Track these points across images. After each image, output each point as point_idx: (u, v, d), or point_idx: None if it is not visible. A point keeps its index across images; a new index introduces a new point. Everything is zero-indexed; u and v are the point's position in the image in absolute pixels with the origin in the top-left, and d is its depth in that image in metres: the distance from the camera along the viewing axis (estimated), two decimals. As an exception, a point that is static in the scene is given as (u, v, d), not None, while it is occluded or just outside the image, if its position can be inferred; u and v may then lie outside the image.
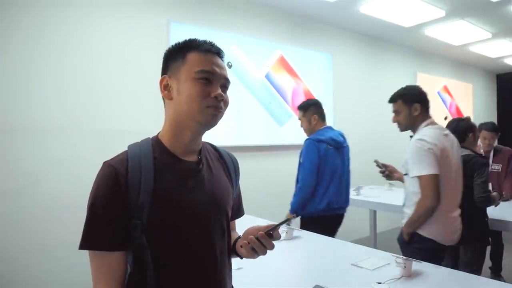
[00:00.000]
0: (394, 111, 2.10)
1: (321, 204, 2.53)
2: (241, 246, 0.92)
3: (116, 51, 2.96)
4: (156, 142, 0.90)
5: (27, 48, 2.58)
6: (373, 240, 4.29)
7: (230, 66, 3.71)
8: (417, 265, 1.55)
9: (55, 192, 2.60)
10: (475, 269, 2.36)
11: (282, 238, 2.02)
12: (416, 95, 2.04)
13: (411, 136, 2.03)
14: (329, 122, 4.59)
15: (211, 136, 3.45)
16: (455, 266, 2.45)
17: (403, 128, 2.09)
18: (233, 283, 1.40)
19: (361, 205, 3.60)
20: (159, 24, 3.22)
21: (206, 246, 0.89)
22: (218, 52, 0.92)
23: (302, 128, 2.83)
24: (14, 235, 2.47)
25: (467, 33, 5.06)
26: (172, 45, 0.93)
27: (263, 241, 0.86)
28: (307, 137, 2.71)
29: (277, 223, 0.88)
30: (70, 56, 2.76)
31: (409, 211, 1.95)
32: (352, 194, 3.65)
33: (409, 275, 1.49)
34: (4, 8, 2.50)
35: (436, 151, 1.84)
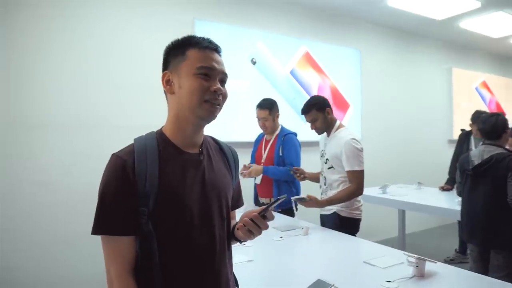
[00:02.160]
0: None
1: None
2: (238, 229, 0.99)
3: (141, 49, 3.06)
4: (160, 135, 0.96)
5: (57, 47, 2.74)
6: (402, 241, 4.16)
7: (254, 63, 3.74)
8: (431, 265, 1.50)
9: (82, 184, 2.75)
10: (507, 275, 2.23)
11: (298, 233, 2.05)
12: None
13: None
14: (356, 118, 4.58)
15: (235, 132, 3.49)
16: (485, 271, 2.32)
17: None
18: (243, 274, 1.42)
19: (388, 204, 3.49)
20: (184, 22, 3.30)
21: (206, 233, 0.95)
22: (216, 49, 0.98)
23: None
24: (45, 224, 2.64)
25: (507, 25, 4.76)
26: (172, 42, 0.98)
27: (257, 221, 0.93)
28: None
29: (268, 204, 0.94)
30: (96, 54, 2.89)
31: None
32: (378, 193, 3.56)
33: (422, 275, 1.44)
34: (33, 3, 2.66)
35: None
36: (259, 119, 2.81)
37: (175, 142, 0.95)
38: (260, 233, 0.95)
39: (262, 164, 2.80)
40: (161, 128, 0.99)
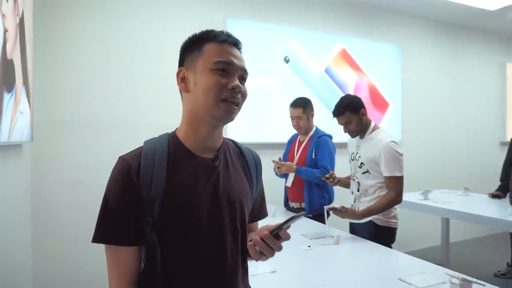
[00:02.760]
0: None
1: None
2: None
3: (174, 48, 3.05)
4: (172, 137, 0.89)
5: (86, 48, 2.80)
6: (445, 252, 3.86)
7: (287, 61, 3.62)
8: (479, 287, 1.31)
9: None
10: None
11: (328, 242, 1.91)
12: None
13: None
14: (396, 118, 4.31)
15: (268, 132, 3.35)
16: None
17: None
18: (266, 286, 1.33)
19: (430, 211, 3.22)
20: (216, 21, 3.25)
21: (216, 246, 0.86)
22: (235, 43, 0.89)
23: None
24: (76, 222, 2.70)
25: None
26: (189, 37, 0.90)
27: (268, 242, 0.81)
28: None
29: (283, 222, 0.80)
30: (125, 54, 2.92)
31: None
32: (418, 198, 3.31)
33: (467, 299, 1.27)
34: (70, 6, 2.72)
35: None
36: (292, 118, 2.70)
37: (187, 145, 0.88)
38: (272, 255, 0.83)
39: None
40: (175, 130, 0.92)
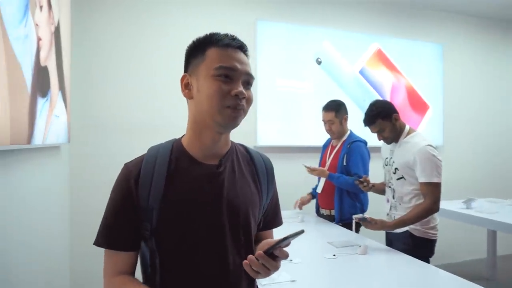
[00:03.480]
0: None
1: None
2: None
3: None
4: (177, 144, 0.89)
5: (123, 51, 2.90)
6: (491, 266, 3.58)
7: (319, 63, 3.54)
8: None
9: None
10: None
11: (355, 252, 1.82)
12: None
13: None
14: (437, 121, 4.08)
15: (299, 136, 3.29)
16: None
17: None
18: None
19: (474, 222, 2.98)
20: (246, 24, 3.25)
21: (216, 256, 0.84)
22: (240, 46, 0.86)
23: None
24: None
25: None
26: (193, 41, 0.89)
27: (263, 262, 0.76)
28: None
29: (277, 240, 0.75)
30: (159, 57, 2.99)
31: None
32: (460, 207, 3.09)
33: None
34: (105, 8, 2.83)
35: None
36: (325, 122, 2.60)
37: (191, 152, 0.86)
38: (268, 274, 0.78)
39: None
40: (181, 136, 0.91)
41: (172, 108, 3.01)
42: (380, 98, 3.71)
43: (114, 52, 2.87)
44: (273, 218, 1.02)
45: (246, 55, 0.87)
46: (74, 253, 2.69)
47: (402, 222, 1.96)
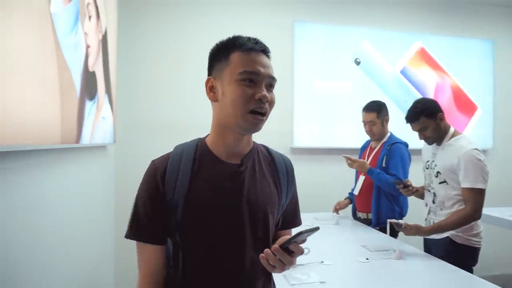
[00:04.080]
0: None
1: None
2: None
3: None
4: (201, 143, 0.93)
5: (166, 56, 3.03)
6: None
7: (358, 63, 3.48)
8: None
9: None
10: None
11: (389, 256, 1.77)
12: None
13: None
14: (487, 123, 3.84)
15: (338, 137, 3.27)
16: None
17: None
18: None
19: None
20: (284, 26, 3.27)
21: (234, 251, 0.87)
22: (263, 50, 0.89)
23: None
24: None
25: None
26: (217, 44, 0.92)
27: (278, 256, 0.77)
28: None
29: (295, 234, 0.76)
30: (199, 60, 3.07)
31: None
32: (509, 215, 2.89)
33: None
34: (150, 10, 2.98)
35: None
36: (365, 123, 2.54)
37: (214, 151, 0.90)
38: (283, 269, 0.79)
39: (362, 174, 2.55)
40: (206, 136, 0.96)
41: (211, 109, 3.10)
42: (421, 97, 3.59)
43: (154, 57, 3.02)
44: (292, 218, 1.04)
45: (269, 57, 0.90)
46: (118, 247, 2.85)
47: (438, 228, 1.88)
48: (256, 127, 0.85)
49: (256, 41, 0.88)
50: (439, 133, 2.01)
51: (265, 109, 0.85)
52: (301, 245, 0.78)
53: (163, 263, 0.88)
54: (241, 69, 0.84)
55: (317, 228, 0.75)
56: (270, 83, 0.87)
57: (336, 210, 2.69)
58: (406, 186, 2.12)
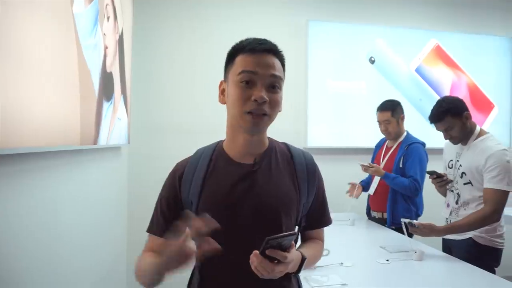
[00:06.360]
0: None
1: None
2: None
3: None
4: (218, 145, 0.96)
5: (179, 57, 3.03)
6: None
7: (372, 61, 3.43)
8: None
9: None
10: None
11: (410, 258, 1.74)
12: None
13: None
14: (504, 121, 3.77)
15: (353, 137, 3.24)
16: None
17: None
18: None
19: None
20: (298, 25, 3.25)
21: (244, 250, 0.84)
22: (268, 50, 0.86)
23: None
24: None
25: None
26: (231, 47, 0.93)
27: (257, 261, 0.76)
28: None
29: (267, 239, 0.73)
30: (212, 61, 3.05)
31: None
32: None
33: None
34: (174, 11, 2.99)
35: None
36: (380, 122, 2.50)
37: (228, 152, 0.93)
38: (267, 275, 0.76)
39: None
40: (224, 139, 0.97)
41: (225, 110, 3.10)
42: (438, 98, 3.53)
43: (167, 58, 3.02)
44: (319, 218, 1.02)
45: (278, 57, 0.87)
46: (130, 248, 2.86)
47: (453, 228, 1.84)
48: (257, 126, 0.85)
49: (261, 42, 0.87)
50: (465, 133, 1.94)
51: (263, 110, 0.83)
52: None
53: None
54: (240, 69, 0.84)
55: (293, 233, 0.76)
56: (273, 83, 0.85)
57: (356, 194, 2.59)
58: (440, 176, 2.04)
